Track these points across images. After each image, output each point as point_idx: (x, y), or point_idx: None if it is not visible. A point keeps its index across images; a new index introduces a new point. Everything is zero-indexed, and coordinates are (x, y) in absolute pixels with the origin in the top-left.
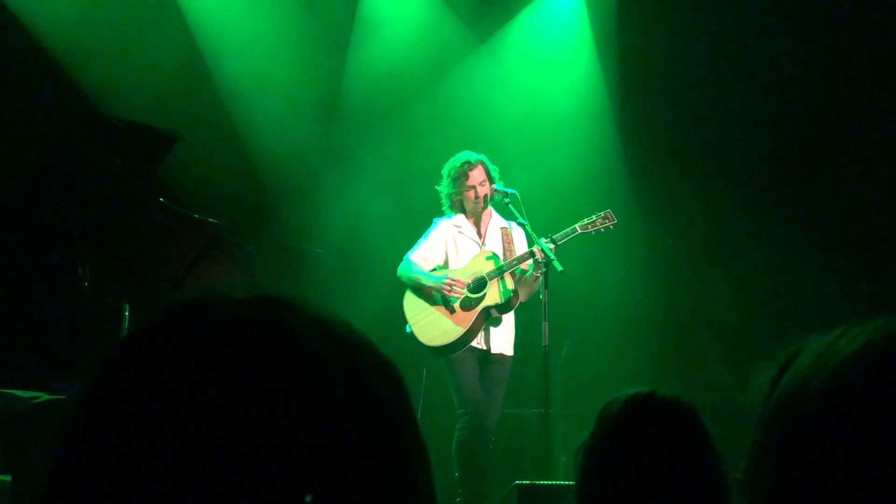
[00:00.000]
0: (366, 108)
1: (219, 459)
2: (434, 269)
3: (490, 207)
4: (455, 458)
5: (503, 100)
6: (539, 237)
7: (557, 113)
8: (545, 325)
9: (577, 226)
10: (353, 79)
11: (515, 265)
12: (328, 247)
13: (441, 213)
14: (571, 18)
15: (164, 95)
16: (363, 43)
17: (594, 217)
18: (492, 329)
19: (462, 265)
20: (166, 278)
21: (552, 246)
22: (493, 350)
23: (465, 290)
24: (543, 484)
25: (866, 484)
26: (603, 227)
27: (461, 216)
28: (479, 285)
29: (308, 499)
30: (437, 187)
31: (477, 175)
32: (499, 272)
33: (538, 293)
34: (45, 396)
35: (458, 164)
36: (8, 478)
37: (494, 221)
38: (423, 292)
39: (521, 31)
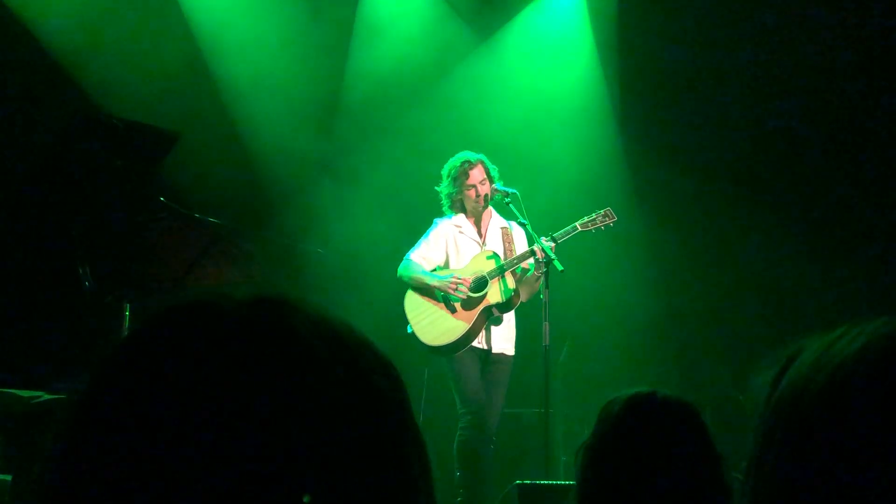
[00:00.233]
0: (366, 107)
1: (219, 460)
2: (434, 270)
3: (490, 207)
4: (456, 458)
5: (504, 99)
6: (539, 236)
7: (558, 112)
8: (546, 325)
9: (577, 224)
10: (353, 79)
11: (516, 264)
12: (329, 246)
13: (441, 214)
14: (572, 17)
15: (165, 95)
16: (364, 43)
17: (594, 215)
18: (493, 328)
19: (463, 265)
20: (167, 278)
21: (553, 245)
22: (495, 350)
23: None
24: (544, 484)
25: (868, 484)
26: (603, 225)
27: (461, 216)
28: (480, 284)
29: (306, 499)
30: (436, 188)
31: (477, 174)
32: (500, 271)
33: (539, 293)
34: (46, 396)
35: (458, 164)
36: (8, 477)
37: (495, 221)
38: (424, 292)
39: (522, 31)
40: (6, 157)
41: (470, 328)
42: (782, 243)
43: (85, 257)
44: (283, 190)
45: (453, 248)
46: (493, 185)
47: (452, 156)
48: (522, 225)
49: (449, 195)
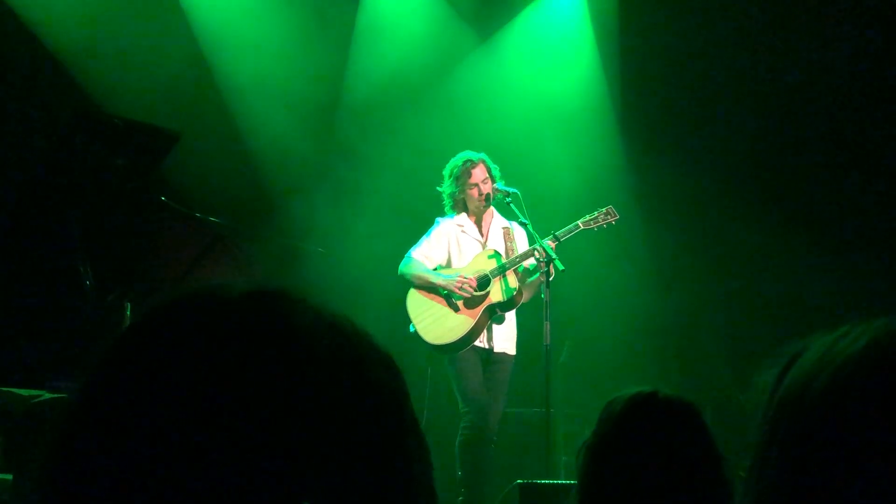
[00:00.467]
0: (367, 107)
1: (219, 453)
2: (435, 268)
3: (492, 207)
4: (458, 458)
5: (505, 99)
6: (540, 235)
7: (559, 112)
8: (546, 325)
9: (579, 222)
10: (354, 79)
11: (518, 263)
12: (329, 246)
13: (443, 214)
14: (573, 17)
15: (167, 95)
16: (365, 43)
17: (596, 213)
18: (494, 328)
19: (464, 264)
20: (168, 277)
21: (555, 243)
22: (496, 349)
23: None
24: (545, 483)
25: (871, 482)
26: (605, 223)
27: (463, 215)
28: (483, 283)
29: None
30: (438, 188)
31: (479, 173)
32: (501, 270)
33: (539, 292)
34: (46, 395)
35: (460, 163)
36: (9, 477)
37: (497, 221)
38: (426, 290)
39: (523, 31)
40: (8, 157)
41: (473, 327)
42: (784, 242)
43: (86, 256)
44: (283, 189)
45: (455, 247)
46: (495, 185)
47: (453, 156)
48: (523, 225)
49: (451, 195)
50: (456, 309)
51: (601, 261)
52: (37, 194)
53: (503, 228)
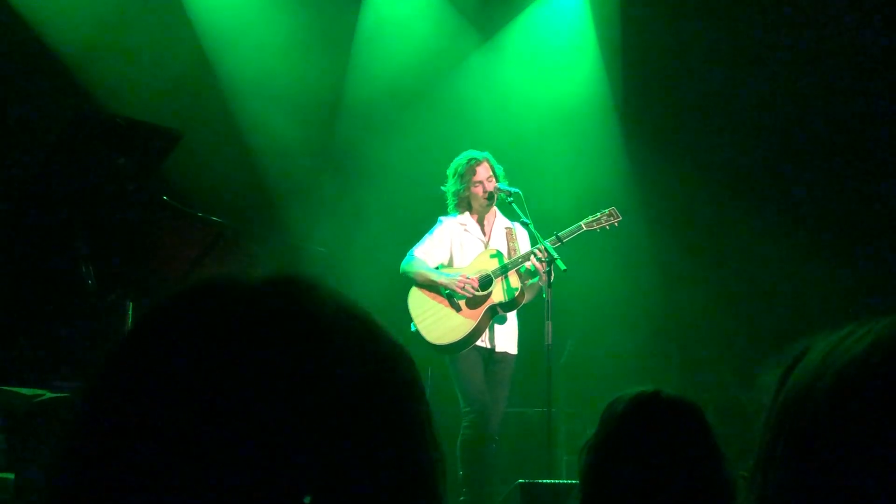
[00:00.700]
0: (369, 107)
1: (239, 441)
2: (437, 267)
3: (495, 207)
4: (460, 458)
5: (507, 99)
6: (543, 236)
7: (561, 112)
8: (548, 324)
9: (582, 223)
10: (356, 78)
11: (520, 263)
12: (332, 246)
13: (446, 213)
14: (575, 17)
15: (169, 95)
16: (367, 42)
17: (599, 214)
18: (496, 328)
19: (466, 263)
20: (170, 276)
21: (557, 244)
22: (498, 349)
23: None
24: (546, 483)
25: (875, 482)
26: (608, 225)
27: (466, 215)
28: (485, 283)
29: (307, 500)
30: (442, 188)
31: (483, 171)
32: (504, 270)
33: (541, 292)
34: (48, 395)
35: (465, 161)
36: (11, 476)
37: (499, 221)
38: (428, 289)
39: (525, 30)
40: (9, 156)
41: (475, 327)
42: (787, 242)
43: (88, 256)
44: (286, 189)
45: (457, 246)
46: (497, 185)
47: (455, 156)
48: (525, 224)
49: (455, 193)
50: (458, 309)
51: (603, 261)
52: (38, 193)
53: (506, 228)
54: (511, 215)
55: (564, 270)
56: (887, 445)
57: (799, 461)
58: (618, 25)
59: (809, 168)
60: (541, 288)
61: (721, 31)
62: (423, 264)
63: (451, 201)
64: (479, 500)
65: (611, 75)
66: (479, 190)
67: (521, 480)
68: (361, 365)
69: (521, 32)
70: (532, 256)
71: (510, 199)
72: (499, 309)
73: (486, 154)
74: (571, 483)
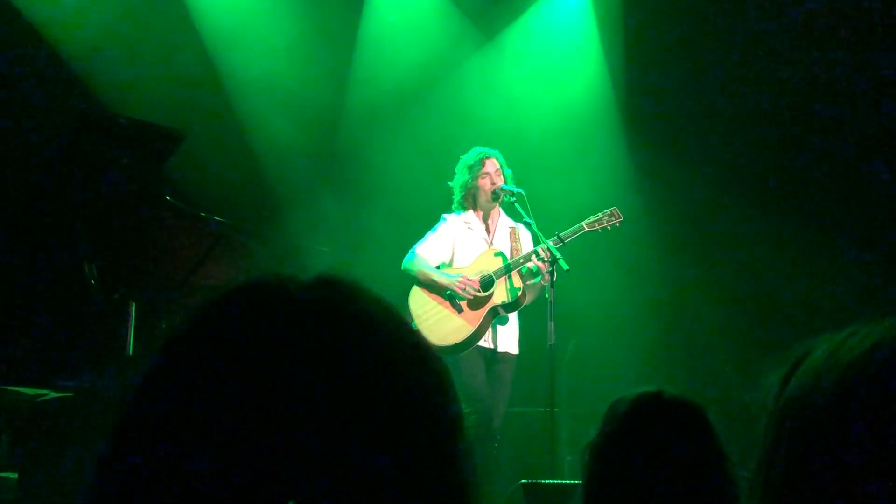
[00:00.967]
0: (372, 108)
1: (291, 439)
2: (439, 266)
3: (499, 207)
4: None
5: (509, 100)
6: (545, 236)
7: (564, 113)
8: (551, 324)
9: (583, 223)
10: (359, 79)
11: (522, 263)
12: (334, 246)
13: (449, 210)
14: (578, 18)
15: (172, 95)
16: (369, 43)
17: (600, 214)
18: (499, 328)
19: (469, 262)
20: (172, 276)
21: (559, 244)
22: (500, 349)
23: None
24: (549, 483)
25: (877, 483)
26: (609, 225)
27: (470, 213)
28: (487, 284)
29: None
30: (449, 183)
31: (492, 165)
32: (506, 270)
33: (544, 292)
34: (51, 394)
35: (475, 154)
36: (14, 475)
37: (503, 221)
38: (430, 289)
39: (528, 30)
40: (13, 156)
41: (477, 328)
42: (790, 243)
43: (91, 255)
44: (288, 189)
45: (460, 244)
46: (500, 185)
47: (457, 156)
48: (528, 225)
49: (463, 185)
50: (459, 310)
51: (606, 260)
52: (42, 194)
53: (510, 228)
54: (514, 216)
55: (567, 270)
56: (889, 446)
57: (801, 462)
58: (620, 26)
59: (813, 169)
60: (543, 288)
61: (725, 31)
62: (424, 263)
63: (456, 194)
64: (481, 499)
65: (613, 76)
66: (486, 182)
67: (523, 480)
68: (405, 365)
69: (523, 33)
70: (534, 256)
71: (513, 199)
72: (500, 310)
73: (497, 152)
74: (574, 483)
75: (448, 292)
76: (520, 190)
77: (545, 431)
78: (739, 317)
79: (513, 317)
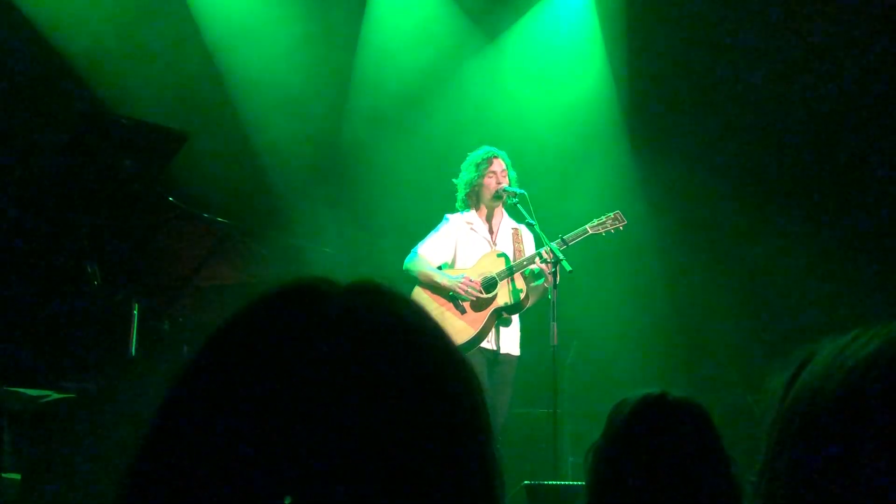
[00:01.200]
0: (375, 108)
1: (325, 441)
2: (440, 266)
3: (502, 208)
4: None
5: (511, 100)
6: (548, 239)
7: (566, 114)
8: (553, 325)
9: (587, 227)
10: (362, 79)
11: (526, 265)
12: (337, 246)
13: (452, 209)
14: (580, 18)
15: (175, 96)
16: (372, 44)
17: (604, 218)
18: (501, 329)
19: (471, 264)
20: (175, 277)
21: (563, 247)
22: (502, 350)
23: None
24: (552, 484)
25: (882, 486)
26: (613, 229)
27: (473, 213)
28: (490, 285)
29: (287, 500)
30: (454, 180)
31: (498, 164)
32: (509, 272)
33: (547, 293)
34: (54, 395)
35: (482, 152)
36: (17, 476)
37: (506, 222)
38: (432, 290)
39: (530, 30)
40: (17, 157)
41: (480, 330)
42: (794, 246)
43: (94, 256)
44: (290, 190)
45: (463, 244)
46: (503, 186)
47: (460, 154)
48: (530, 226)
49: (468, 182)
50: (462, 311)
51: (609, 262)
52: (45, 194)
53: (512, 230)
54: (517, 217)
55: (570, 271)
56: (892, 448)
57: (805, 464)
58: (623, 27)
59: (818, 171)
60: (546, 290)
61: (729, 32)
62: (426, 263)
63: (460, 192)
64: None
65: (616, 77)
66: (491, 181)
67: (526, 482)
68: (440, 371)
69: (525, 35)
70: (538, 258)
71: (515, 201)
72: (504, 312)
73: (504, 153)
74: (577, 485)
75: (451, 294)
76: (522, 191)
77: (548, 432)
78: (743, 319)
79: (515, 318)
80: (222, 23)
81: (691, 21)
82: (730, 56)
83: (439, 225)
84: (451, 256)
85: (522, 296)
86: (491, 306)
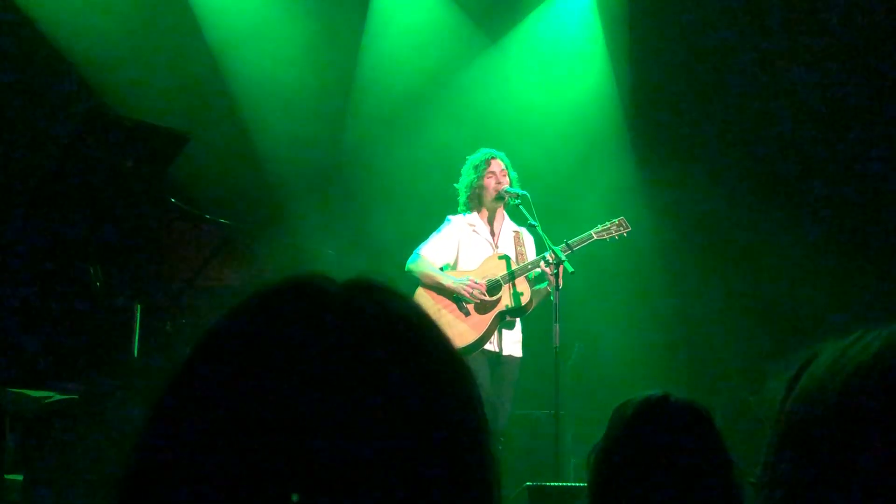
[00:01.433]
0: (377, 110)
1: (324, 440)
2: (442, 268)
3: (503, 210)
4: None
5: (513, 101)
6: (550, 240)
7: (569, 115)
8: (556, 327)
9: (592, 232)
10: (364, 81)
11: (530, 269)
12: (339, 248)
13: (454, 211)
14: (582, 20)
15: (177, 97)
16: (374, 45)
17: (608, 224)
18: (503, 331)
19: (473, 266)
20: (177, 278)
21: (567, 251)
22: (504, 352)
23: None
24: (554, 485)
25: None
26: (617, 235)
27: (475, 215)
28: (494, 288)
29: (295, 498)
30: (455, 185)
31: (497, 165)
32: (513, 276)
33: (549, 294)
34: (57, 396)
35: (481, 155)
36: (20, 477)
37: (507, 224)
38: (436, 292)
39: (532, 33)
40: (18, 158)
41: (484, 332)
42: (796, 247)
43: (96, 258)
44: (293, 191)
45: (465, 246)
46: (505, 187)
47: (462, 155)
48: (532, 227)
49: (469, 185)
50: (466, 313)
51: (612, 262)
52: (47, 195)
53: (514, 232)
54: (518, 218)
55: (572, 273)
56: (894, 452)
57: (807, 467)
58: (626, 28)
59: (821, 173)
60: (549, 292)
61: (732, 34)
62: (429, 265)
63: (462, 195)
64: None
65: (619, 79)
66: (491, 182)
67: (528, 483)
68: (438, 369)
69: (528, 36)
70: (542, 262)
71: (517, 202)
72: (507, 315)
73: (502, 154)
74: (579, 486)
75: (455, 295)
76: (524, 192)
77: (550, 434)
78: (745, 321)
79: (517, 320)
80: (225, 25)
81: (693, 22)
82: (732, 57)
83: (441, 226)
84: (454, 258)
85: (526, 299)
86: (495, 309)
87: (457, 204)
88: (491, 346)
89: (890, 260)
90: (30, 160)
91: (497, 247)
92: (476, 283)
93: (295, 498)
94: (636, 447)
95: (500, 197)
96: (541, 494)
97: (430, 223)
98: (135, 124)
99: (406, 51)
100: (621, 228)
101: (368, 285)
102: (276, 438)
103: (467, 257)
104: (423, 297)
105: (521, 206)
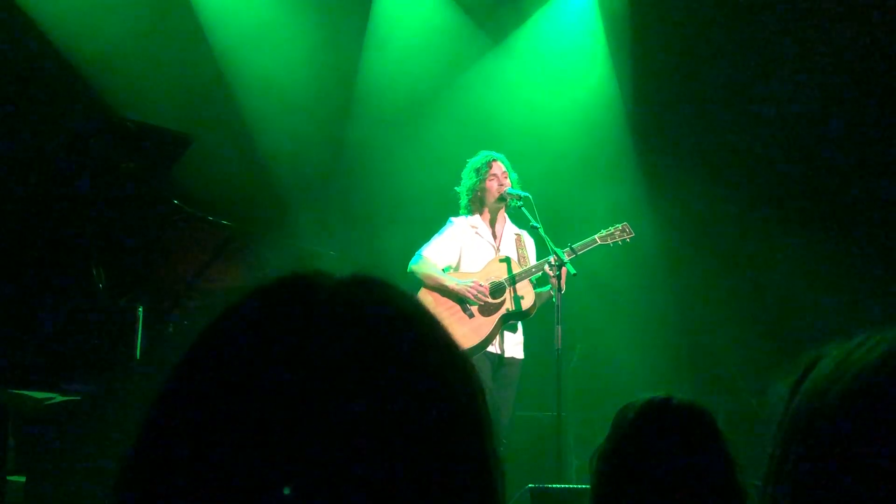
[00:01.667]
0: (380, 111)
1: (322, 436)
2: (444, 270)
3: (504, 213)
4: None
5: (515, 102)
6: (553, 242)
7: (571, 116)
8: (558, 329)
9: (596, 237)
10: (367, 82)
11: (533, 272)
12: (342, 249)
13: (456, 213)
14: (585, 21)
15: (179, 98)
16: (377, 46)
17: (612, 229)
18: (505, 333)
19: (476, 268)
20: (180, 280)
21: (572, 255)
22: (506, 354)
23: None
24: (556, 488)
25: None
26: (620, 240)
27: (477, 217)
28: (497, 291)
29: (286, 491)
30: (456, 188)
31: (498, 167)
32: (517, 279)
33: (552, 297)
34: (58, 398)
35: (482, 157)
36: (22, 479)
37: (509, 227)
38: (439, 293)
39: (534, 34)
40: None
41: (487, 335)
42: (800, 250)
43: (99, 260)
44: (296, 193)
45: (467, 248)
46: (507, 189)
47: (464, 159)
48: (534, 229)
49: (470, 188)
50: (470, 315)
51: (614, 264)
52: (50, 197)
53: (515, 235)
54: (520, 221)
55: (574, 275)
56: None
57: (811, 470)
58: (628, 30)
59: (825, 175)
60: (551, 294)
61: (734, 34)
62: (432, 266)
63: (463, 198)
64: None
65: (621, 80)
66: (493, 184)
67: (530, 485)
68: (438, 365)
69: (530, 37)
70: (546, 265)
71: (520, 204)
72: (510, 318)
73: (503, 155)
74: (581, 488)
75: (458, 297)
76: (526, 194)
77: (552, 436)
78: (749, 323)
79: (519, 322)
80: (228, 27)
81: (695, 23)
82: (734, 58)
83: (444, 228)
84: (456, 260)
85: (529, 302)
86: (499, 312)
87: (458, 209)
88: (493, 348)
89: (894, 264)
90: (34, 162)
91: (499, 249)
92: (480, 285)
93: (286, 491)
94: (639, 449)
95: (502, 199)
96: (543, 497)
97: (432, 225)
98: (138, 126)
99: (408, 53)
100: (625, 234)
101: (367, 281)
102: (274, 436)
103: (469, 259)
104: (427, 298)
105: (523, 208)
